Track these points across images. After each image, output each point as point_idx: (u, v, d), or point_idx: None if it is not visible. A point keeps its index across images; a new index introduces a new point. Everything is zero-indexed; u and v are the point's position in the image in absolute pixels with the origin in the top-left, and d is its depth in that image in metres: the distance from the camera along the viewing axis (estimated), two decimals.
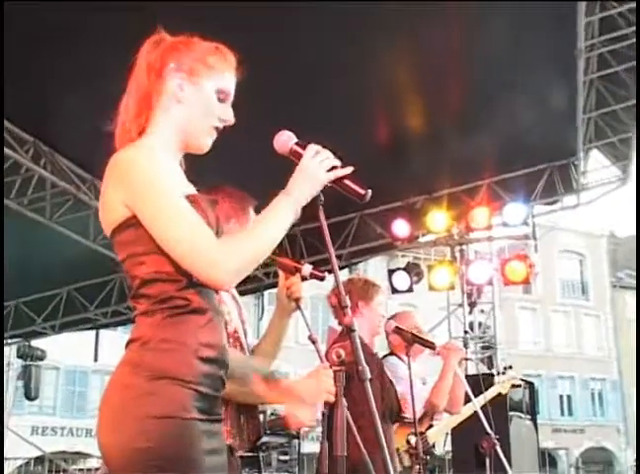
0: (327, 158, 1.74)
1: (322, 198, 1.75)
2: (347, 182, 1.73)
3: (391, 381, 3.73)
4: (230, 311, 2.61)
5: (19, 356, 11.59)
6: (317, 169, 1.73)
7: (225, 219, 2.50)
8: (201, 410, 1.65)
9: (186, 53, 1.81)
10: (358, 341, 1.65)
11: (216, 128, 1.83)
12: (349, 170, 1.74)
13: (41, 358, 11.59)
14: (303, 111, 5.51)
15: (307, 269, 2.56)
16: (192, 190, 1.78)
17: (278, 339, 2.64)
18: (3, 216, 6.75)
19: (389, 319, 3.98)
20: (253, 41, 4.75)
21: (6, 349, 12.31)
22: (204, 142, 1.83)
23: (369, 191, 1.72)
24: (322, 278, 2.71)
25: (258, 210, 2.63)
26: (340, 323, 1.65)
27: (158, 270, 1.67)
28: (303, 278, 2.57)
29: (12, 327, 10.32)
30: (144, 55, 1.82)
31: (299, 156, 1.75)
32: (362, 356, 1.63)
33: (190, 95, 1.80)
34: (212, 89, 1.81)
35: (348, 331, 1.66)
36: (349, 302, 1.71)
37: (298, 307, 2.54)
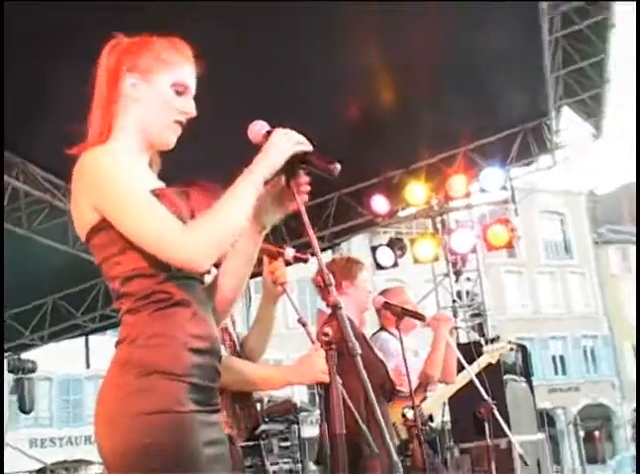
0: (291, 136, 1.76)
1: (293, 175, 1.78)
2: (313, 158, 1.76)
3: (382, 360, 3.75)
4: None
5: (10, 371, 11.50)
6: (278, 144, 1.74)
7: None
8: (198, 401, 1.66)
9: (139, 53, 1.82)
10: (345, 318, 1.66)
11: (179, 123, 1.83)
12: (312, 145, 1.77)
13: (33, 370, 11.51)
14: (276, 98, 5.50)
15: (290, 252, 2.58)
16: (160, 185, 1.79)
17: (267, 326, 2.66)
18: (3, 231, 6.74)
19: (379, 295, 4.01)
20: (224, 33, 4.77)
21: None
22: (167, 138, 1.83)
23: (337, 164, 1.73)
24: (305, 261, 2.72)
25: None
26: (326, 303, 1.67)
27: (135, 267, 1.69)
28: (287, 263, 2.59)
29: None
30: (103, 60, 1.83)
31: None
32: (351, 333, 1.64)
33: (144, 93, 1.80)
34: (167, 83, 1.81)
35: (334, 309, 1.67)
36: (333, 281, 1.72)
37: (285, 291, 2.55)
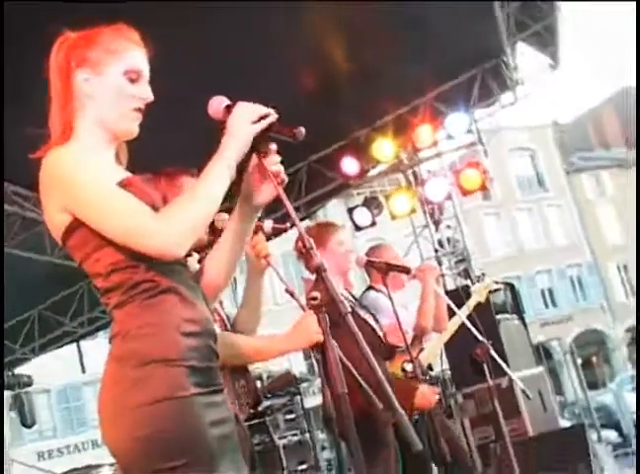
0: (253, 111, 1.76)
1: (263, 150, 1.79)
2: (277, 126, 1.77)
3: (365, 320, 3.77)
4: None
5: (6, 388, 11.45)
6: (242, 122, 1.74)
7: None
8: (198, 383, 1.67)
9: (87, 47, 1.80)
10: (330, 279, 1.67)
11: (138, 110, 1.81)
12: (273, 117, 1.76)
13: (29, 384, 11.46)
14: (232, 69, 5.43)
15: (268, 224, 2.60)
16: (126, 175, 1.78)
17: (256, 301, 2.67)
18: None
19: (366, 254, 4.04)
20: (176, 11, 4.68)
21: None
22: (128, 127, 1.82)
23: (301, 128, 1.74)
24: (285, 230, 2.73)
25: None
26: (309, 268, 1.69)
27: (113, 261, 1.69)
28: (268, 237, 2.61)
29: None
30: (53, 59, 1.81)
31: None
32: (339, 293, 1.65)
33: (97, 87, 1.78)
34: (119, 73, 1.79)
35: (318, 272, 1.67)
36: (313, 244, 1.72)
37: (269, 264, 2.56)
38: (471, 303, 4.52)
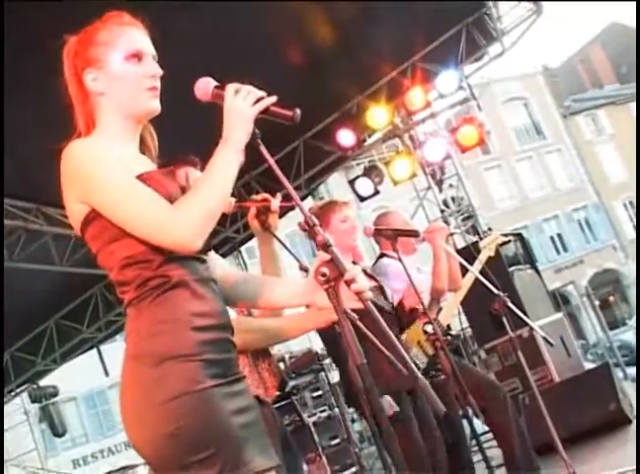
0: (248, 92, 1.74)
1: (258, 133, 1.75)
2: (273, 109, 1.74)
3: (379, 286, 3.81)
4: None
5: (33, 401, 11.60)
6: (242, 106, 1.72)
7: None
8: (215, 375, 1.68)
9: (84, 48, 1.82)
10: (337, 253, 1.68)
11: (152, 88, 1.82)
12: (273, 98, 1.74)
13: (55, 395, 11.60)
14: (217, 50, 5.43)
15: (275, 202, 2.62)
16: (146, 168, 1.79)
17: (275, 260, 2.72)
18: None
19: (374, 224, 4.06)
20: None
21: (17, 398, 12.29)
22: (147, 106, 1.82)
23: (297, 110, 1.72)
24: (293, 207, 2.76)
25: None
26: (316, 244, 1.69)
27: (128, 254, 1.71)
28: (274, 211, 2.63)
29: (15, 376, 10.27)
30: (65, 68, 1.84)
31: (222, 98, 1.75)
32: (347, 267, 1.67)
33: (104, 81, 1.80)
34: (119, 60, 1.80)
35: (324, 248, 1.68)
36: (316, 220, 1.73)
37: (272, 233, 2.63)
38: (482, 258, 4.53)
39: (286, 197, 2.73)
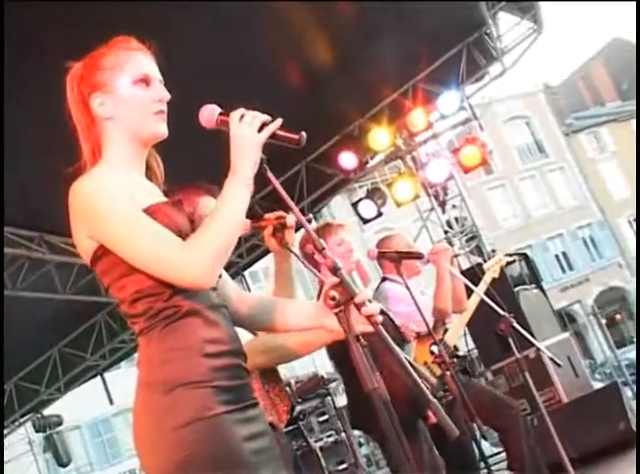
0: (254, 118, 1.74)
1: (264, 158, 1.74)
2: (279, 133, 1.74)
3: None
4: None
5: (37, 431, 11.54)
6: (248, 133, 1.72)
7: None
8: (227, 401, 1.68)
9: (90, 73, 1.83)
10: (346, 277, 1.68)
11: (160, 112, 1.83)
12: (278, 122, 1.74)
13: (59, 424, 11.55)
14: (213, 78, 5.47)
15: (291, 218, 2.62)
16: (154, 199, 1.79)
17: (291, 280, 2.72)
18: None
19: (376, 247, 4.07)
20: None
21: (21, 428, 12.25)
22: (155, 130, 1.83)
23: (303, 133, 1.72)
24: (309, 221, 2.74)
25: None
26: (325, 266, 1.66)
27: (139, 288, 1.71)
28: (291, 227, 2.61)
29: (19, 406, 10.25)
30: (69, 94, 1.85)
31: (227, 125, 1.75)
32: (356, 290, 1.67)
33: (112, 106, 1.82)
34: (127, 84, 1.82)
35: (333, 271, 1.68)
36: (324, 244, 1.72)
37: (290, 250, 2.61)
38: (487, 280, 4.55)
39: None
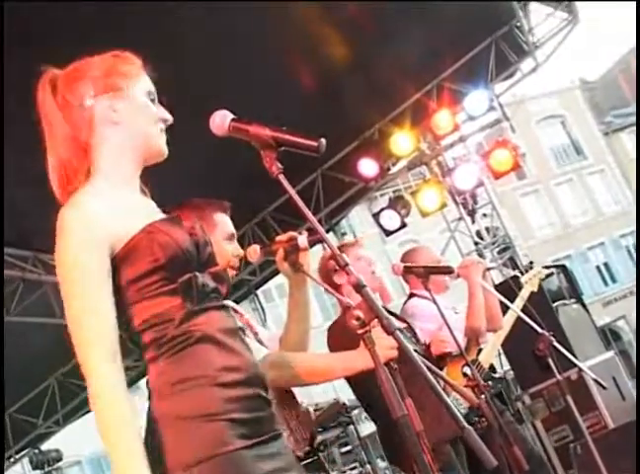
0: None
1: (280, 166, 1.77)
2: (297, 140, 1.78)
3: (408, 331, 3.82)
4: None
5: (35, 467, 11.49)
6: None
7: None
8: (245, 436, 1.68)
9: (93, 75, 1.85)
10: (371, 295, 1.70)
11: (162, 130, 1.89)
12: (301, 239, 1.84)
13: (59, 459, 11.50)
14: (228, 84, 5.54)
15: (302, 238, 2.64)
16: (152, 217, 1.81)
17: (304, 312, 2.70)
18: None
19: (401, 261, 4.08)
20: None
21: (17, 465, 12.26)
22: (161, 146, 1.89)
23: (322, 140, 1.75)
24: (320, 240, 2.73)
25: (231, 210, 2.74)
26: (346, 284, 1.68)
27: (146, 318, 1.74)
28: (304, 249, 2.64)
29: (15, 440, 10.24)
30: (47, 103, 1.84)
31: (242, 131, 1.79)
32: (383, 310, 1.68)
33: (124, 111, 1.85)
34: (143, 93, 1.87)
35: (357, 289, 1.70)
36: (348, 259, 1.75)
37: (306, 274, 2.61)
38: (524, 295, 4.53)
39: (311, 231, 2.74)
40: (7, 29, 4.00)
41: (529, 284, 4.62)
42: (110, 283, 1.72)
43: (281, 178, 1.75)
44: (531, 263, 4.94)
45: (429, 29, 6.78)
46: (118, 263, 1.73)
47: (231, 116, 1.83)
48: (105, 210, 1.75)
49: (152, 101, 1.89)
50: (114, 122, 1.84)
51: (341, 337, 2.87)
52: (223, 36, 5.44)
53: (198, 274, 1.77)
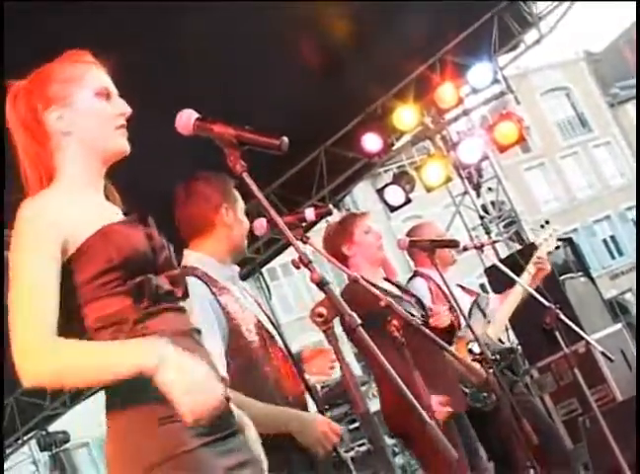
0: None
1: (244, 164, 1.79)
2: (259, 138, 1.80)
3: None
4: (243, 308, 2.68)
5: (42, 449, 11.61)
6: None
7: (215, 209, 2.71)
8: (205, 434, 1.72)
9: (42, 86, 1.87)
10: (334, 293, 1.72)
11: (121, 126, 1.89)
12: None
13: (66, 441, 11.62)
14: (231, 59, 5.53)
15: (310, 213, 2.63)
16: (111, 218, 1.83)
17: None
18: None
19: (406, 236, 4.09)
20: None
21: (25, 447, 12.37)
22: (118, 145, 1.90)
23: (284, 138, 1.77)
24: (329, 212, 2.69)
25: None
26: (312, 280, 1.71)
27: (100, 316, 1.76)
28: (313, 223, 2.64)
29: (22, 423, 10.30)
30: (11, 113, 1.88)
31: (207, 130, 1.81)
32: (345, 306, 1.70)
33: (71, 119, 1.86)
34: (89, 97, 1.87)
35: (319, 286, 1.71)
36: (311, 257, 1.76)
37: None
38: (542, 253, 4.41)
39: (316, 206, 2.75)
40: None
41: (545, 244, 4.48)
42: (55, 270, 1.72)
43: (245, 176, 1.78)
44: (547, 222, 4.72)
45: (431, 1, 6.72)
46: (73, 263, 1.75)
47: (196, 115, 1.84)
48: (61, 208, 1.78)
49: (107, 96, 1.89)
50: (64, 133, 1.86)
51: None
52: (227, 11, 5.41)
53: (152, 276, 1.79)
